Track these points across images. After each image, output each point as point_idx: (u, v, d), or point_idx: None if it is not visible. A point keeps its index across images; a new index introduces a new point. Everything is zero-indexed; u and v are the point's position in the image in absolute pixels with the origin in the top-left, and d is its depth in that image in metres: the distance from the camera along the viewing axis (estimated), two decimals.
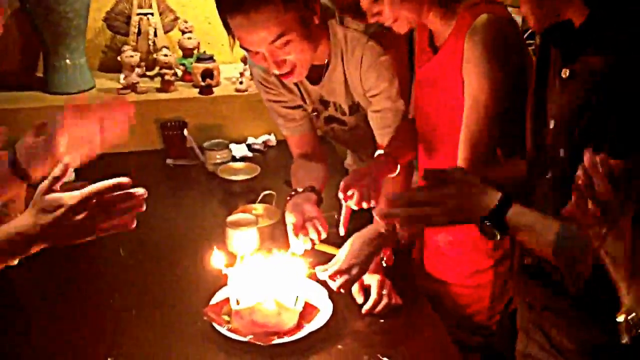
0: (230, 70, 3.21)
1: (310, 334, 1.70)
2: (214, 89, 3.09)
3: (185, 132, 2.82)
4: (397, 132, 1.99)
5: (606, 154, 1.07)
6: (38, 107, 2.84)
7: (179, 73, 3.20)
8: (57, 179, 1.27)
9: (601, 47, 1.29)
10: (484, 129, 1.75)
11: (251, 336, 1.68)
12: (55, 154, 1.35)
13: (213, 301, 1.81)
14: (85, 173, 2.67)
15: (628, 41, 1.25)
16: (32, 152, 1.36)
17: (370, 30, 1.93)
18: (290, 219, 1.95)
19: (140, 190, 1.30)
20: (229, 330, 1.70)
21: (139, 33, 3.26)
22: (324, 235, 1.92)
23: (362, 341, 1.74)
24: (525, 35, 2.14)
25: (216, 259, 1.78)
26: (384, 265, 1.91)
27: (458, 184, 1.38)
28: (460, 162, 1.77)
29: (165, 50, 3.17)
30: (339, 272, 1.81)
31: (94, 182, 2.51)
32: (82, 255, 2.15)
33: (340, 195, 1.82)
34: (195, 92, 3.09)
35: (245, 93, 3.06)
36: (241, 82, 3.07)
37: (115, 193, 1.27)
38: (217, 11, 1.84)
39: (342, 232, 1.87)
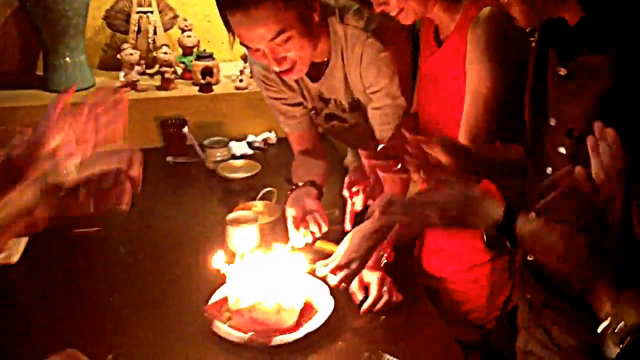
0: (230, 68, 3.20)
1: (311, 331, 1.70)
2: (214, 87, 3.09)
3: (186, 129, 2.82)
4: (398, 128, 1.99)
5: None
6: (38, 105, 2.83)
7: (179, 71, 3.19)
8: (53, 153, 1.26)
9: (597, 46, 1.28)
10: (483, 123, 1.74)
11: (252, 333, 1.67)
12: (48, 150, 1.33)
13: (213, 299, 1.80)
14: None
15: (623, 40, 1.24)
16: (25, 150, 1.35)
17: (370, 27, 1.93)
18: (290, 212, 1.96)
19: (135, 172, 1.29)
20: (230, 326, 1.70)
21: (138, 31, 3.25)
22: (324, 229, 1.93)
23: (363, 338, 1.73)
24: (529, 29, 2.13)
25: (217, 260, 1.78)
26: (385, 262, 1.90)
27: (458, 189, 1.38)
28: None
29: (165, 49, 3.17)
30: (339, 267, 1.81)
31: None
32: (82, 254, 2.16)
33: (346, 192, 1.81)
34: (195, 90, 3.08)
35: (245, 91, 3.05)
36: (241, 80, 3.06)
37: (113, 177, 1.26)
38: (216, 8, 1.84)
39: (348, 227, 1.87)
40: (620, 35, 1.23)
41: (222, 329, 1.71)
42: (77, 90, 1.33)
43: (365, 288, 1.85)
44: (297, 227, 1.93)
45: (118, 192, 1.28)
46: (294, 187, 2.07)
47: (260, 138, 2.98)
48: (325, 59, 2.00)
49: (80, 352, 1.65)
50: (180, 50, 3.25)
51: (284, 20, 1.78)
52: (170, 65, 3.12)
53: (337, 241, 1.90)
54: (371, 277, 1.85)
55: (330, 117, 2.17)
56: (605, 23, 1.25)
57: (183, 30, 3.25)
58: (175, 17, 3.30)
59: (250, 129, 3.02)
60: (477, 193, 1.40)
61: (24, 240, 2.11)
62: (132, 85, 3.04)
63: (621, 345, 1.07)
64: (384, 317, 1.80)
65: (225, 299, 1.77)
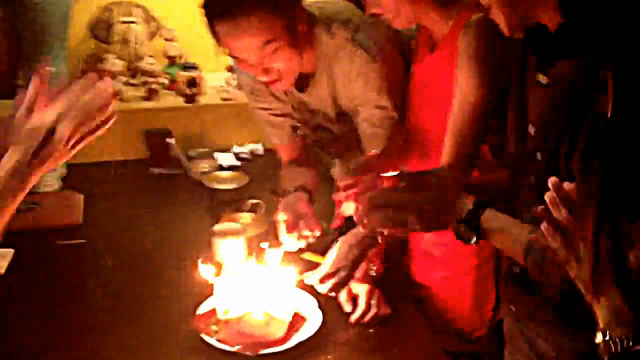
0: (216, 79, 3.20)
1: (299, 343, 1.69)
2: (199, 98, 3.08)
3: (171, 140, 2.80)
4: (389, 141, 1.98)
5: (560, 182, 1.07)
6: None
7: (165, 82, 3.18)
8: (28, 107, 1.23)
9: (574, 52, 1.28)
10: (468, 130, 1.75)
11: (239, 346, 1.66)
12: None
13: (200, 311, 1.79)
14: (71, 181, 2.68)
15: (601, 46, 1.24)
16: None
17: (357, 38, 1.93)
18: (281, 216, 1.95)
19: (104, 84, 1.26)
20: (217, 340, 1.69)
21: (122, 41, 3.24)
22: (317, 233, 1.92)
23: (352, 351, 1.73)
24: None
25: (204, 270, 1.77)
26: (373, 274, 1.90)
27: (434, 189, 1.39)
28: (444, 158, 1.77)
29: (149, 59, 3.16)
30: (328, 276, 1.81)
31: (80, 192, 2.51)
32: (67, 266, 2.14)
33: (339, 195, 1.79)
34: (180, 100, 3.08)
35: (231, 102, 3.05)
36: (227, 91, 3.06)
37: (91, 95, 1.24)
38: (202, 19, 1.84)
39: (334, 225, 1.85)
40: (597, 42, 1.24)
41: (209, 342, 1.70)
42: None
43: (354, 300, 1.85)
44: (290, 232, 1.93)
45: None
46: (285, 193, 2.06)
47: (246, 149, 2.98)
48: (312, 70, 2.00)
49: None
50: (166, 61, 3.25)
51: (271, 31, 1.78)
52: (154, 76, 3.11)
53: (325, 253, 1.89)
54: (359, 289, 1.85)
55: (317, 128, 2.17)
56: (583, 29, 1.26)
57: (167, 40, 3.24)
58: (159, 27, 3.30)
59: (236, 140, 3.01)
60: (453, 192, 1.40)
61: (10, 252, 2.09)
62: (115, 94, 3.02)
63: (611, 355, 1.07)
64: (372, 329, 1.79)
65: (213, 311, 1.76)
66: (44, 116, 1.20)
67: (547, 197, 1.07)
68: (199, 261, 1.79)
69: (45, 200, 2.47)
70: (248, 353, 1.65)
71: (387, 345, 1.75)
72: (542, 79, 1.36)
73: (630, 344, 1.03)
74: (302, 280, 1.83)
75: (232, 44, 1.82)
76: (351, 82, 1.97)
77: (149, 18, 3.29)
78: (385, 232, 1.46)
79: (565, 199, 1.06)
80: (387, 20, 1.80)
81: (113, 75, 3.10)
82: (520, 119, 1.46)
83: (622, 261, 1.03)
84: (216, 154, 2.81)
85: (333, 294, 1.81)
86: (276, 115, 2.19)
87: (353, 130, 2.09)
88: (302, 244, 1.93)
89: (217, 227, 2.09)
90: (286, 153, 2.27)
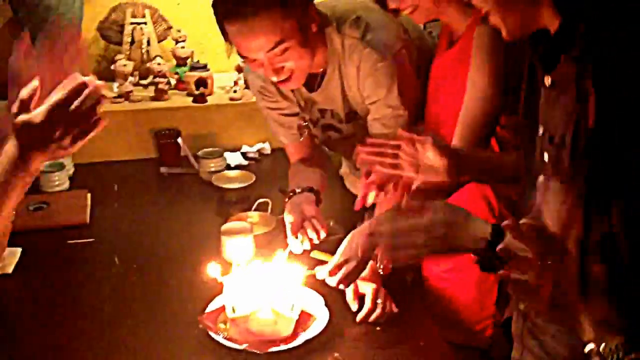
0: (225, 79, 3.21)
1: (306, 341, 1.70)
2: (208, 98, 3.09)
3: (180, 140, 2.81)
4: None
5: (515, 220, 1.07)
6: None
7: (173, 82, 3.19)
8: (25, 102, 1.24)
9: (573, 52, 1.28)
10: (479, 122, 1.75)
11: (247, 344, 1.67)
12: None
13: (208, 309, 1.80)
14: (80, 180, 2.70)
15: (601, 47, 1.24)
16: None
17: (368, 37, 1.93)
18: (288, 218, 1.96)
19: (94, 83, 1.28)
20: (225, 338, 1.70)
21: (132, 42, 3.26)
22: (322, 235, 1.92)
23: (358, 349, 1.73)
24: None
25: (211, 269, 1.77)
26: (381, 273, 1.90)
27: (442, 213, 1.39)
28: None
29: (158, 59, 3.17)
30: (338, 266, 1.80)
31: (89, 191, 2.53)
32: (76, 265, 2.15)
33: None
34: (189, 100, 3.08)
35: (240, 102, 3.06)
36: (235, 91, 3.06)
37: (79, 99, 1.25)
38: (211, 20, 1.84)
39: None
40: (598, 42, 1.23)
41: (217, 340, 1.70)
42: None
43: (361, 298, 1.85)
44: (295, 234, 1.93)
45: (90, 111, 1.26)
46: (291, 193, 2.07)
47: (254, 149, 2.98)
48: (322, 70, 2.01)
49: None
50: (174, 62, 3.26)
51: (282, 31, 1.78)
52: (164, 76, 3.12)
53: (333, 252, 1.89)
54: (366, 288, 1.85)
55: (326, 128, 2.18)
56: (580, 29, 1.25)
57: (177, 41, 3.25)
58: (169, 28, 3.31)
59: (245, 140, 3.02)
60: (462, 215, 1.39)
61: (18, 251, 2.10)
62: (126, 96, 3.04)
63: None
64: (379, 327, 1.79)
65: (221, 309, 1.77)
66: (35, 112, 1.21)
67: (500, 248, 1.07)
68: (208, 260, 1.80)
69: (54, 199, 2.49)
70: (256, 351, 1.66)
71: (394, 343, 1.75)
72: (547, 80, 1.36)
73: (623, 354, 1.03)
74: (311, 277, 1.83)
75: (243, 44, 1.82)
76: (361, 82, 1.97)
77: (158, 19, 3.30)
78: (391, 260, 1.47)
79: (527, 235, 1.06)
80: (408, 14, 1.81)
81: (124, 76, 3.11)
82: (530, 119, 1.47)
83: (613, 265, 1.03)
84: (225, 154, 2.81)
85: (342, 286, 1.81)
86: (285, 114, 2.20)
87: (362, 130, 2.09)
88: (307, 245, 1.93)
89: (226, 226, 2.10)
90: (294, 152, 2.28)
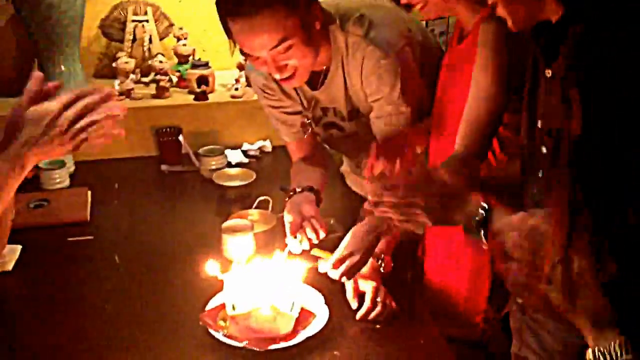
0: (226, 76, 3.20)
1: (306, 339, 1.70)
2: (210, 96, 3.09)
3: (181, 138, 2.81)
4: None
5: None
6: None
7: (174, 79, 3.19)
8: (32, 93, 1.26)
9: (567, 48, 1.28)
10: (482, 120, 1.75)
11: (247, 342, 1.67)
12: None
13: (209, 307, 1.80)
14: (80, 178, 2.70)
15: (602, 39, 1.23)
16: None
17: (371, 35, 1.92)
18: (288, 218, 1.96)
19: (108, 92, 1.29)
20: (225, 335, 1.70)
21: (134, 40, 3.26)
22: (321, 235, 1.92)
23: (358, 347, 1.73)
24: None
25: (211, 267, 1.77)
26: (382, 271, 1.90)
27: (441, 187, 1.39)
28: (458, 146, 1.78)
29: (160, 57, 3.17)
30: (341, 260, 1.81)
31: (90, 189, 2.53)
32: (76, 262, 2.15)
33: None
34: (190, 98, 3.08)
35: (241, 99, 3.06)
36: (236, 89, 3.06)
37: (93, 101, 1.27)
38: (212, 17, 1.84)
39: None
40: (599, 34, 1.23)
41: (218, 337, 1.70)
42: None
43: (361, 296, 1.85)
44: (294, 234, 1.93)
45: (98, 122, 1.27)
46: (292, 192, 2.07)
47: (255, 146, 2.98)
48: (325, 68, 2.00)
49: (74, 357, 1.65)
50: (176, 59, 3.26)
51: (286, 29, 1.78)
52: (165, 74, 3.12)
53: (334, 249, 1.90)
54: (366, 286, 1.85)
55: (328, 126, 2.17)
56: (584, 21, 1.25)
57: (178, 39, 3.25)
58: (171, 25, 3.31)
59: (246, 138, 3.02)
60: (458, 190, 1.40)
61: (18, 248, 2.10)
62: (127, 93, 3.04)
63: None
64: (379, 325, 1.79)
65: (221, 307, 1.77)
66: (47, 105, 1.22)
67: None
68: (208, 258, 1.80)
69: (54, 197, 2.49)
70: (256, 348, 1.66)
71: (393, 341, 1.75)
72: (547, 72, 1.36)
73: (620, 354, 1.03)
74: (312, 275, 1.84)
75: (246, 41, 1.82)
76: (365, 79, 1.97)
77: (160, 16, 3.30)
78: (397, 223, 1.47)
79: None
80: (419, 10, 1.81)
81: (125, 74, 3.12)
82: (530, 113, 1.47)
83: (606, 259, 1.02)
84: (226, 151, 2.81)
85: (344, 279, 1.81)
86: (287, 113, 2.19)
87: (364, 129, 2.09)
88: (306, 246, 1.93)
89: (226, 224, 2.10)
90: (296, 151, 2.28)
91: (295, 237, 1.94)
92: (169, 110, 3.02)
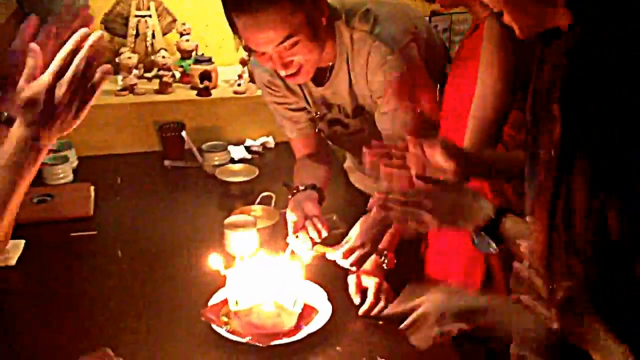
0: (229, 72, 3.20)
1: (309, 335, 1.70)
2: (212, 91, 3.09)
3: (184, 133, 2.81)
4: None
5: None
6: None
7: (177, 75, 3.19)
8: (29, 75, 1.23)
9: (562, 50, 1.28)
10: (489, 116, 1.75)
11: (249, 337, 1.67)
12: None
13: (211, 302, 1.80)
14: (84, 173, 2.70)
15: (601, 47, 1.23)
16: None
17: (377, 31, 1.92)
18: (291, 217, 1.96)
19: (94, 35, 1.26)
20: (228, 331, 1.70)
21: (136, 35, 3.25)
22: (323, 234, 1.92)
23: (361, 343, 1.73)
24: None
25: (213, 261, 1.78)
26: (385, 268, 1.90)
27: (452, 190, 1.39)
28: (466, 141, 1.78)
29: (163, 52, 3.17)
30: (352, 249, 1.82)
31: (93, 184, 2.53)
32: (79, 257, 2.16)
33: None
34: (193, 94, 3.08)
35: (244, 95, 3.05)
36: (239, 84, 3.06)
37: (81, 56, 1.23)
38: (215, 13, 1.84)
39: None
40: (607, 39, 1.22)
41: (220, 333, 1.71)
42: None
43: (363, 292, 1.85)
44: (296, 233, 1.93)
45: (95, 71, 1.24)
46: (295, 190, 2.07)
47: (258, 142, 2.98)
48: (330, 64, 2.00)
49: (76, 356, 1.65)
50: (179, 55, 3.26)
51: (292, 25, 1.77)
52: (168, 69, 3.12)
53: (334, 245, 1.90)
54: (369, 282, 1.85)
55: (333, 123, 2.17)
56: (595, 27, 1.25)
57: (181, 34, 3.25)
58: (174, 21, 3.31)
59: (249, 133, 3.01)
60: (469, 195, 1.40)
61: (22, 243, 2.11)
62: (130, 89, 3.04)
63: None
64: (381, 322, 1.79)
65: (223, 302, 1.77)
66: (40, 81, 1.20)
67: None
68: (211, 253, 1.80)
69: (57, 192, 2.49)
70: (258, 344, 1.66)
71: (396, 338, 1.74)
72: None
73: None
74: (315, 267, 1.84)
75: (252, 37, 1.81)
76: (370, 75, 1.96)
77: (163, 12, 3.30)
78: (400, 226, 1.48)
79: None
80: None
81: (128, 69, 3.11)
82: (534, 115, 1.46)
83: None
84: (229, 147, 2.81)
85: (354, 268, 1.82)
86: (292, 109, 2.19)
87: (369, 125, 2.09)
88: (308, 244, 1.93)
89: (229, 220, 2.10)
90: (300, 147, 2.27)
91: (298, 236, 1.94)
92: (172, 105, 3.02)
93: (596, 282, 1.00)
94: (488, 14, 1.76)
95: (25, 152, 1.21)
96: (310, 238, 1.93)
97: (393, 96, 1.96)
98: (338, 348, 1.70)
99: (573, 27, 1.25)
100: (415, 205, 1.40)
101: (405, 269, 1.99)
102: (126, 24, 3.25)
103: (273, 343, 1.67)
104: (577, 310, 1.06)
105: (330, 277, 1.88)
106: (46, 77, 1.20)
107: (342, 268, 1.87)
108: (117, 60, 3.15)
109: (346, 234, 1.90)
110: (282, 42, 1.79)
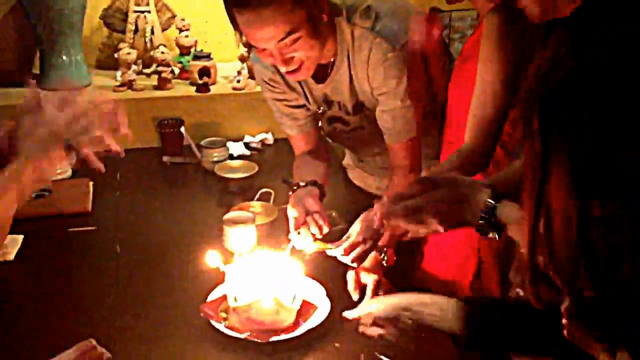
0: (228, 68, 3.20)
1: (308, 331, 1.70)
2: (212, 87, 3.08)
3: (183, 129, 2.81)
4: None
5: None
6: None
7: (176, 71, 3.19)
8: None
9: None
10: (489, 114, 1.74)
11: (248, 333, 1.67)
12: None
13: (210, 298, 1.80)
14: (82, 169, 2.69)
15: (592, 49, 1.22)
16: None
17: (378, 27, 1.92)
18: (292, 213, 1.95)
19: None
20: (227, 327, 1.70)
21: (136, 31, 3.25)
22: (325, 230, 1.92)
23: (359, 339, 1.72)
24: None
25: (211, 258, 1.77)
26: (385, 265, 1.90)
27: (449, 187, 1.38)
28: (467, 139, 1.78)
29: (162, 48, 3.17)
30: (354, 246, 1.82)
31: (91, 179, 2.52)
32: (77, 253, 2.15)
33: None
34: (192, 90, 3.08)
35: (243, 91, 3.05)
36: (238, 81, 3.06)
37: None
38: (214, 9, 1.83)
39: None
40: (585, 43, 1.22)
41: (219, 328, 1.71)
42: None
43: (362, 289, 1.85)
44: (298, 229, 1.93)
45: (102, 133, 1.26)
46: (295, 187, 2.06)
47: (257, 139, 2.98)
48: (331, 60, 1.99)
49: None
50: (178, 51, 3.25)
51: (293, 21, 1.77)
52: (167, 65, 3.12)
53: (334, 242, 1.89)
54: (368, 279, 1.85)
55: (333, 120, 2.17)
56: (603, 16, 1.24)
57: (180, 30, 3.25)
58: (173, 16, 3.30)
59: (248, 130, 3.01)
60: (466, 186, 1.39)
61: (20, 238, 2.11)
62: (129, 84, 3.04)
63: None
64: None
65: (222, 298, 1.77)
66: (55, 123, 1.20)
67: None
68: (209, 249, 1.80)
69: (56, 187, 2.48)
70: (257, 340, 1.66)
71: None
72: None
73: None
74: (314, 264, 1.84)
75: (253, 33, 1.81)
76: (371, 72, 1.96)
77: (162, 7, 3.29)
78: (409, 234, 1.47)
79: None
80: None
81: (127, 65, 3.11)
82: (531, 113, 1.46)
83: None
84: (228, 143, 2.81)
85: (355, 264, 1.82)
86: (291, 106, 2.18)
87: (369, 123, 2.08)
88: (310, 240, 1.93)
89: (228, 216, 2.10)
90: (300, 144, 2.27)
91: (299, 233, 1.94)
92: (171, 101, 3.02)
93: (578, 290, 0.99)
94: (490, 9, 1.76)
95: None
96: (312, 234, 1.93)
97: (393, 93, 1.96)
98: (337, 344, 1.70)
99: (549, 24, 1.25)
100: (417, 212, 1.39)
101: (404, 267, 1.99)
102: (125, 20, 3.25)
103: (272, 339, 1.66)
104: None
105: (329, 274, 1.88)
106: (60, 121, 1.20)
107: (341, 264, 1.87)
108: (115, 55, 3.15)
109: (346, 230, 1.90)
110: (283, 39, 1.79)
